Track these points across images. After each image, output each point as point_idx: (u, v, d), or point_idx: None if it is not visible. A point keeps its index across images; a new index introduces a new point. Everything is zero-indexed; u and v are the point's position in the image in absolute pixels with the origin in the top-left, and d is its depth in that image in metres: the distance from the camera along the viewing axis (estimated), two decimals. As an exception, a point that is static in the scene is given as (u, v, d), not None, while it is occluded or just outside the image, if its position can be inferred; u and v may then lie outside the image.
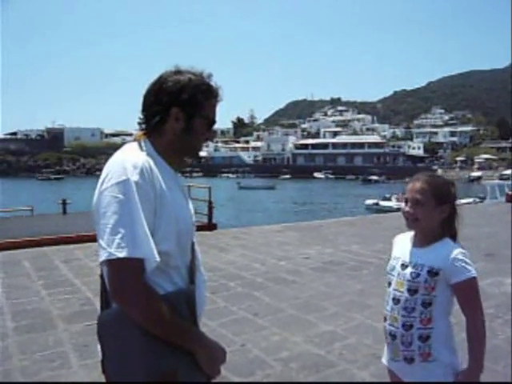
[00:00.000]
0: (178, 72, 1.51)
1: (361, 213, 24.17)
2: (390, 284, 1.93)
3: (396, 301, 1.87)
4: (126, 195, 1.31)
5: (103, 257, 1.29)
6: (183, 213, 1.49)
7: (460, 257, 1.78)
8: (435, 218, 1.84)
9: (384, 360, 2.02)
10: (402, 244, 1.96)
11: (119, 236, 1.28)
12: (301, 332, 4.16)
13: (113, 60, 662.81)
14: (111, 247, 1.28)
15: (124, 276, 1.29)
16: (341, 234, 9.77)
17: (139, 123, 1.54)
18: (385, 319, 1.94)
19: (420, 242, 1.89)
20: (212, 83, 1.54)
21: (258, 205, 34.84)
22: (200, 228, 10.20)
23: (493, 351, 3.73)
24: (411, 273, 1.83)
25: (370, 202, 28.12)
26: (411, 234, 1.95)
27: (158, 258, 1.33)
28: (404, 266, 1.87)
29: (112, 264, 1.29)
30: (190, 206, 1.61)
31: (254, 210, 30.94)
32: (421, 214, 1.82)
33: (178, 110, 1.47)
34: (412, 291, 1.82)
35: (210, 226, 10.97)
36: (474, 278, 1.79)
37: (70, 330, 4.22)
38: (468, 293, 1.81)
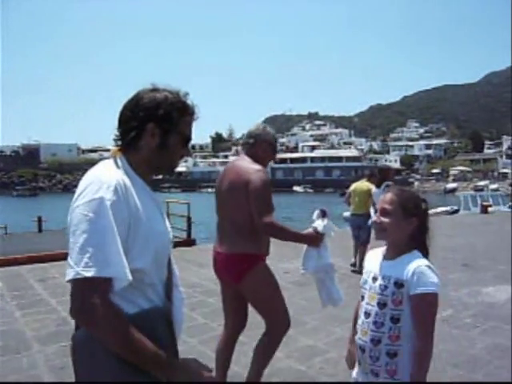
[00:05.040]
0: (155, 89, 1.52)
1: (339, 225, 24.33)
2: (362, 298, 1.94)
3: (367, 315, 1.86)
4: (96, 213, 1.29)
5: (70, 275, 1.26)
6: (159, 230, 1.48)
7: (422, 269, 1.76)
8: (402, 230, 1.84)
9: (354, 372, 2.00)
10: (374, 258, 1.96)
11: (87, 255, 1.26)
12: (281, 347, 4.10)
13: (90, 75, 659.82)
14: (79, 266, 1.25)
15: (88, 295, 1.25)
16: (320, 248, 9.77)
17: (115, 139, 1.54)
18: (357, 332, 1.93)
19: (389, 254, 1.89)
20: (188, 101, 1.55)
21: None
22: (179, 244, 10.12)
23: (471, 361, 3.78)
24: (380, 285, 1.83)
25: (347, 214, 28.29)
26: (383, 249, 1.95)
27: (130, 278, 1.30)
28: (374, 279, 1.88)
29: (77, 283, 1.26)
30: (167, 222, 1.60)
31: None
32: (388, 223, 1.83)
33: (153, 126, 1.47)
34: (381, 305, 1.81)
35: (189, 242, 10.91)
36: (432, 294, 1.74)
37: (45, 352, 4.10)
38: (422, 307, 1.75)
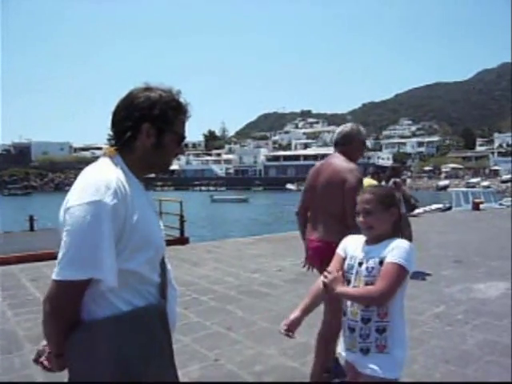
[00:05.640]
0: (148, 88, 1.51)
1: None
2: (348, 282, 2.01)
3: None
4: (94, 216, 1.30)
5: (59, 276, 1.30)
6: (155, 230, 1.49)
7: (401, 245, 1.91)
8: (386, 222, 2.00)
9: (342, 351, 2.10)
10: (357, 244, 2.08)
11: (79, 258, 1.29)
12: (275, 345, 4.14)
13: (82, 73, 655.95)
14: (71, 267, 1.29)
15: (69, 298, 1.33)
16: (313, 245, 9.79)
17: (109, 139, 1.54)
18: (344, 314, 2.04)
19: (373, 240, 2.02)
20: (181, 100, 1.56)
21: (231, 218, 34.70)
22: (172, 242, 10.10)
23: (463, 357, 3.81)
24: (367, 268, 1.95)
25: None
26: (363, 236, 2.08)
27: (116, 283, 1.34)
28: (360, 264, 1.98)
29: (64, 284, 1.30)
30: (160, 221, 1.60)
31: (226, 223, 30.75)
32: (373, 221, 1.98)
33: (149, 126, 1.47)
34: (370, 285, 1.92)
35: (182, 240, 10.88)
36: (402, 266, 1.86)
37: (38, 351, 4.07)
38: (385, 272, 1.87)
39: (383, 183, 7.81)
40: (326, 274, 2.03)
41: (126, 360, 1.33)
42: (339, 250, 2.15)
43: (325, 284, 2.02)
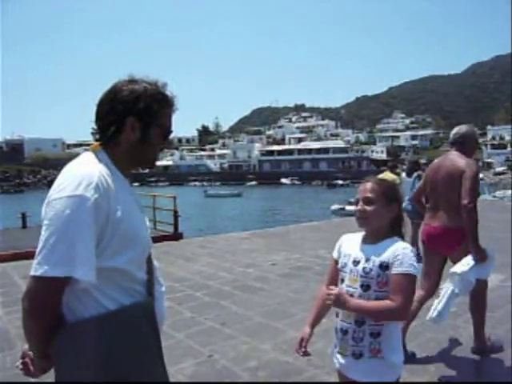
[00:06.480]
0: (133, 81, 1.48)
1: (327, 217, 24.35)
2: (342, 281, 1.95)
3: (350, 296, 1.87)
4: (73, 211, 1.26)
5: (37, 272, 1.26)
6: (139, 227, 1.46)
7: (406, 251, 1.82)
8: (384, 217, 1.90)
9: (332, 356, 2.04)
10: (352, 242, 2.00)
11: (58, 254, 1.25)
12: (269, 340, 4.13)
13: (73, 69, 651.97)
14: (48, 264, 1.25)
15: (49, 294, 1.28)
16: (307, 239, 9.82)
17: (93, 133, 1.50)
18: (336, 315, 1.96)
19: (370, 239, 1.93)
20: (167, 92, 1.52)
21: (225, 212, 34.68)
22: (166, 238, 10.05)
23: (457, 349, 3.82)
24: (363, 268, 1.86)
25: (335, 207, 28.09)
26: (360, 234, 2.01)
27: (94, 281, 1.30)
28: (356, 262, 1.90)
29: (42, 280, 1.26)
30: (146, 217, 1.57)
31: (220, 218, 30.72)
32: (371, 212, 1.88)
33: (133, 120, 1.43)
34: (365, 287, 1.84)
35: (176, 236, 10.82)
36: (412, 275, 1.80)
37: (30, 349, 4.03)
38: (401, 284, 1.78)
39: (404, 176, 8.14)
40: (328, 292, 1.87)
41: (113, 360, 1.31)
42: (334, 254, 2.07)
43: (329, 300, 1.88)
